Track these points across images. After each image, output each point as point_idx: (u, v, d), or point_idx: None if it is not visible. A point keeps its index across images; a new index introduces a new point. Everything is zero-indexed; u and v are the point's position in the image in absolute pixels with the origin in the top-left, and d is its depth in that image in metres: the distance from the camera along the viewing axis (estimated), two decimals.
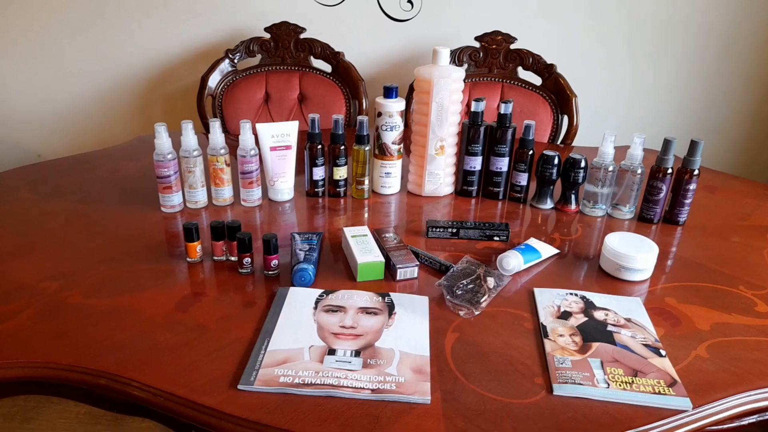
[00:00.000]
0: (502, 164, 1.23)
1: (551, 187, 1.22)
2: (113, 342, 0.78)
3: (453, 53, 1.76)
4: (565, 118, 1.71)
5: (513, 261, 0.96)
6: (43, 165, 1.41)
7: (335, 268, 0.98)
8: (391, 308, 0.86)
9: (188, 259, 0.98)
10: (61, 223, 1.11)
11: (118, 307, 0.85)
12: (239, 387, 0.70)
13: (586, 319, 0.85)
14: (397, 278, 0.94)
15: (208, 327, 0.81)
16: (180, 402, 0.68)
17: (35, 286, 0.90)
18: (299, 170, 1.24)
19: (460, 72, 1.18)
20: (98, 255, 0.99)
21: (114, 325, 0.81)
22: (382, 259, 0.94)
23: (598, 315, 0.86)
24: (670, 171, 1.12)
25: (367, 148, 1.21)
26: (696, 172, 1.11)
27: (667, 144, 1.11)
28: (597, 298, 0.91)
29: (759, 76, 1.90)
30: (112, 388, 0.72)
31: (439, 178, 1.25)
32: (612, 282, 0.96)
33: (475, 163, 1.24)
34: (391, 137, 1.22)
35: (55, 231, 1.08)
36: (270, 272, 0.94)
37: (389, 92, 1.19)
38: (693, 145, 1.10)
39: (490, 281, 0.93)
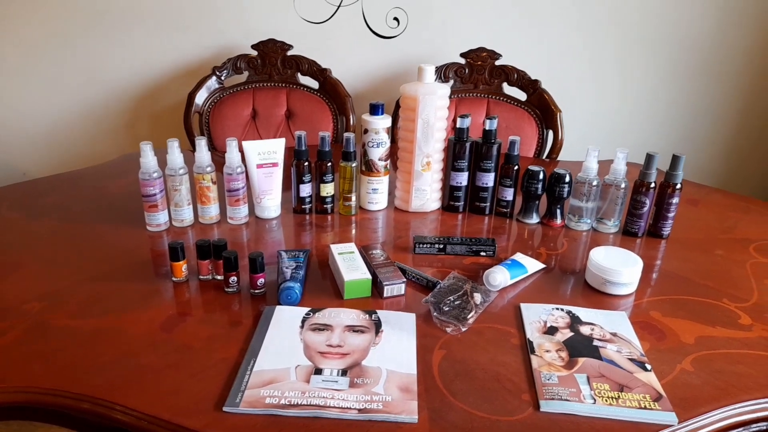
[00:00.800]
0: (488, 180, 1.24)
1: (537, 202, 1.23)
2: (97, 364, 0.77)
3: (439, 70, 1.78)
4: (550, 133, 1.73)
5: (499, 276, 0.97)
6: (27, 184, 1.40)
7: (322, 285, 0.98)
8: (378, 326, 0.86)
9: (174, 279, 0.97)
10: (45, 242, 1.10)
11: (102, 328, 0.84)
12: (224, 409, 0.69)
13: (573, 334, 0.86)
14: (384, 295, 0.94)
15: (193, 347, 0.80)
16: (164, 425, 0.68)
17: (18, 308, 0.88)
18: (286, 187, 1.24)
19: (445, 89, 1.20)
20: (83, 275, 0.98)
21: (98, 347, 0.80)
22: (369, 276, 0.94)
23: (584, 330, 0.87)
24: (653, 185, 1.14)
25: (354, 165, 1.21)
26: (678, 185, 1.13)
27: (649, 158, 1.13)
28: (583, 313, 0.91)
29: (739, 91, 1.94)
30: (95, 412, 0.71)
31: (426, 193, 1.26)
32: (598, 296, 0.97)
33: (462, 178, 1.25)
34: (378, 153, 1.22)
35: (39, 250, 1.07)
36: (256, 291, 0.94)
37: (375, 109, 1.20)
38: (675, 160, 1.12)
39: (477, 297, 0.93)
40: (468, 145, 1.22)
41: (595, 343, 0.84)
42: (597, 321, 0.89)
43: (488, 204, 1.27)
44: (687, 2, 1.82)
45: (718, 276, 1.04)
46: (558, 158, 1.73)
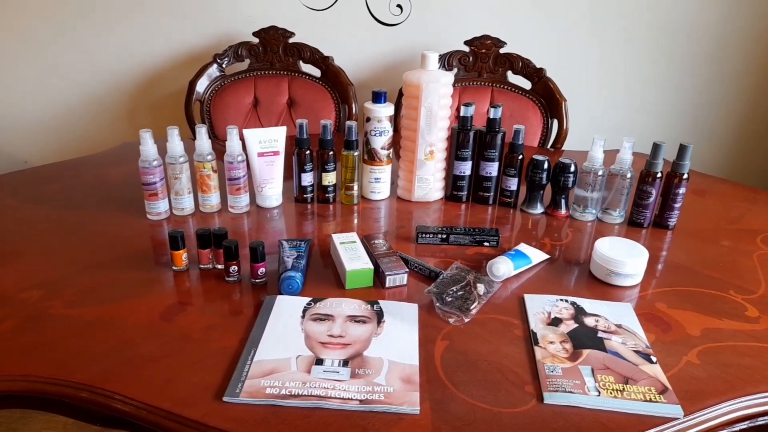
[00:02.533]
0: (492, 169, 1.22)
1: (541, 192, 1.22)
2: (95, 353, 0.76)
3: (442, 57, 1.76)
4: (555, 123, 1.71)
5: (503, 267, 0.96)
6: (27, 172, 1.39)
7: (324, 275, 0.97)
8: (380, 316, 0.85)
9: (174, 268, 0.96)
10: (43, 230, 1.09)
11: (101, 317, 0.83)
12: (224, 399, 0.68)
13: (577, 325, 0.85)
14: (387, 285, 0.93)
15: (192, 337, 0.80)
16: (163, 415, 0.67)
17: (16, 296, 0.88)
18: (287, 176, 1.23)
19: (449, 77, 1.18)
20: (82, 263, 0.97)
21: (96, 336, 0.79)
22: (371, 266, 0.93)
23: (589, 321, 0.86)
24: (659, 175, 1.12)
25: (356, 154, 1.20)
26: (685, 176, 1.11)
27: (656, 148, 1.11)
28: (587, 304, 0.90)
29: (747, 81, 1.91)
30: (94, 401, 0.70)
31: (429, 183, 1.25)
32: (602, 287, 0.96)
33: (465, 168, 1.23)
34: (380, 142, 1.21)
35: (38, 239, 1.06)
36: (257, 280, 0.93)
37: (378, 97, 1.18)
38: (682, 149, 1.10)
39: (480, 288, 0.92)
40: (472, 134, 1.20)
41: (600, 334, 0.83)
42: (602, 312, 0.88)
43: (492, 194, 1.25)
44: None
45: (725, 267, 1.03)
46: (563, 148, 1.71)
